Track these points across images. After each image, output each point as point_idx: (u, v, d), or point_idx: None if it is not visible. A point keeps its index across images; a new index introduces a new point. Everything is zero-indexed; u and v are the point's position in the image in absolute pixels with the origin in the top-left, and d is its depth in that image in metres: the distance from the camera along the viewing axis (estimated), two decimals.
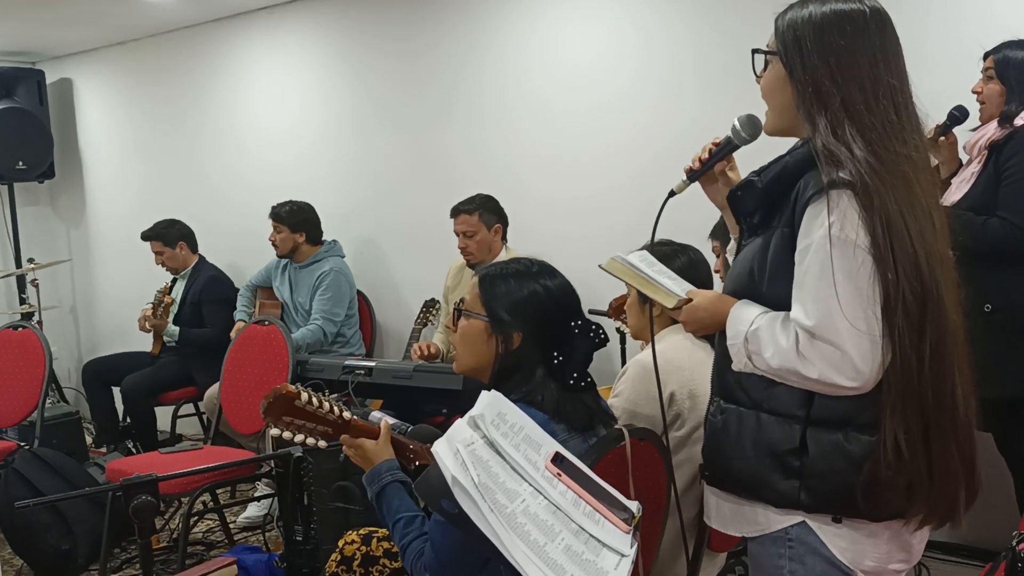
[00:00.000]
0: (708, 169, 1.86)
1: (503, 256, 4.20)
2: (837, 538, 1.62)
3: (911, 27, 3.04)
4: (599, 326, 1.91)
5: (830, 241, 1.51)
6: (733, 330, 1.66)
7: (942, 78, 3.09)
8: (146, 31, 5.96)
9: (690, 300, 1.75)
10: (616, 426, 1.93)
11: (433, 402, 3.72)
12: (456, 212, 4.24)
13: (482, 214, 4.20)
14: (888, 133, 1.57)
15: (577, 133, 4.38)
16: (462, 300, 1.98)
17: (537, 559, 1.36)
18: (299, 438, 1.91)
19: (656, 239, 1.96)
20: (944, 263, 1.59)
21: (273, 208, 4.82)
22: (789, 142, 1.74)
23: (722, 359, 1.75)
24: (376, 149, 5.13)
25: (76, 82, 6.59)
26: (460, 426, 1.53)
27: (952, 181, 3.05)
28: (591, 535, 1.52)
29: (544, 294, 1.92)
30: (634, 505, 1.70)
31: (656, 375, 1.90)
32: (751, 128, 1.80)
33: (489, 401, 1.64)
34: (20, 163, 6.06)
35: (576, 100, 4.36)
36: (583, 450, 1.81)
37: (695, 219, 2.55)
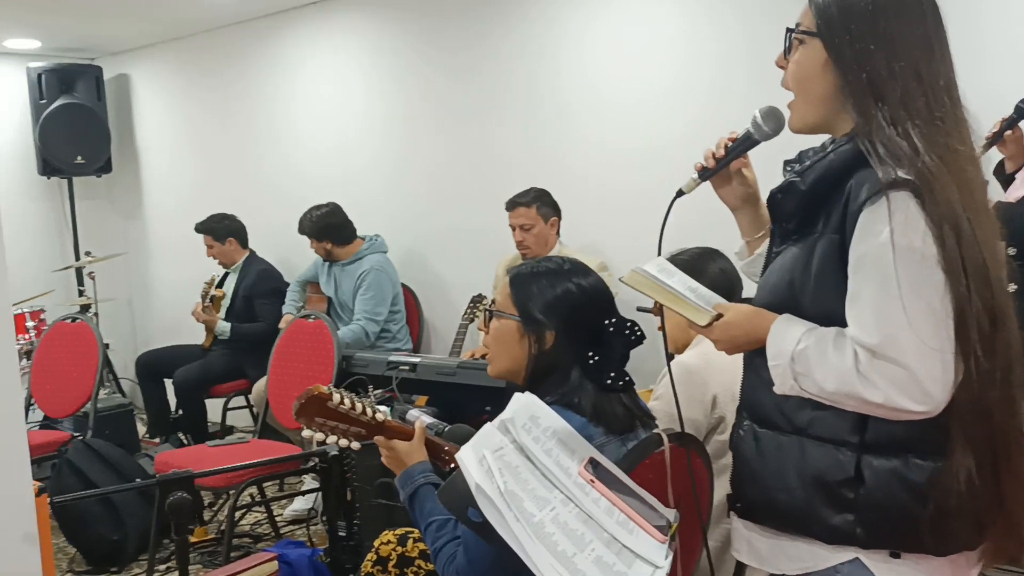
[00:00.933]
0: (723, 167, 1.69)
1: (557, 250, 4.15)
2: (894, 575, 1.46)
3: (967, 20, 2.93)
4: (634, 323, 1.85)
5: (893, 249, 1.35)
6: (776, 349, 1.47)
7: (1000, 72, 3.00)
8: (200, 26, 6.02)
9: (720, 316, 1.56)
10: (655, 430, 1.87)
11: (477, 399, 3.68)
12: (513, 205, 4.19)
13: (539, 207, 4.16)
14: (948, 129, 1.41)
15: (630, 126, 4.30)
16: (493, 301, 1.94)
17: (564, 571, 1.31)
18: (332, 439, 1.88)
19: (666, 243, 1.76)
20: (1006, 275, 1.44)
21: (300, 220, 4.84)
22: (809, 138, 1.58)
23: (756, 379, 1.58)
24: (427, 143, 5.10)
25: (133, 77, 6.68)
26: (489, 431, 1.49)
27: (1016, 176, 2.93)
28: (624, 545, 1.47)
29: (578, 292, 1.87)
30: (671, 513, 1.64)
31: (672, 388, 1.80)
32: (773, 122, 1.62)
33: (522, 404, 1.60)
34: (79, 157, 6.17)
35: (629, 92, 4.28)
36: (620, 454, 1.76)
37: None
